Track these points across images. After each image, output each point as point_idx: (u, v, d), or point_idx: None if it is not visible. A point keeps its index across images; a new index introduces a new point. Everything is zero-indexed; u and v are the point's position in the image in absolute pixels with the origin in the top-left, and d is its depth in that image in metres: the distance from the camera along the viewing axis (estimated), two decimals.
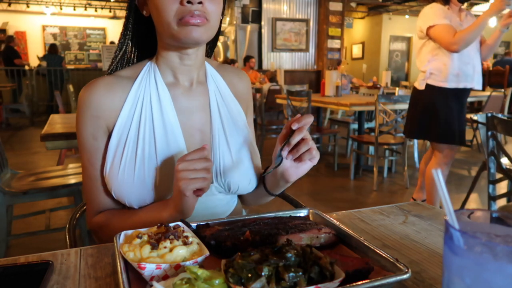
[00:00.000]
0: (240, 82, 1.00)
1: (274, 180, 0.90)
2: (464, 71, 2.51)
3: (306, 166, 0.83)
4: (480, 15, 2.35)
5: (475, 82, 2.56)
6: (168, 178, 0.82)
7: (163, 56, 0.87)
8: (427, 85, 2.61)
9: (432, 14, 2.48)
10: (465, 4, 2.58)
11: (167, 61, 0.88)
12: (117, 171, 0.82)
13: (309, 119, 0.78)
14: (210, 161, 0.73)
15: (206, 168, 0.72)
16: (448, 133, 2.58)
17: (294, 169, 0.84)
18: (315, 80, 8.42)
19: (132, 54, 0.92)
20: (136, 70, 0.89)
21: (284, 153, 0.80)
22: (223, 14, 0.91)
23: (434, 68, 2.55)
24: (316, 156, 0.81)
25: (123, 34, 0.89)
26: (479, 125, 2.95)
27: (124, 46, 0.90)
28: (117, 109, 0.85)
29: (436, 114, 2.59)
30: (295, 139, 0.78)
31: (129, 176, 0.81)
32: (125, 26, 0.89)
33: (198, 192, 0.73)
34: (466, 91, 2.59)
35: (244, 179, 0.91)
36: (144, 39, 0.92)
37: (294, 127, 0.77)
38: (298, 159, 0.82)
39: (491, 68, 7.93)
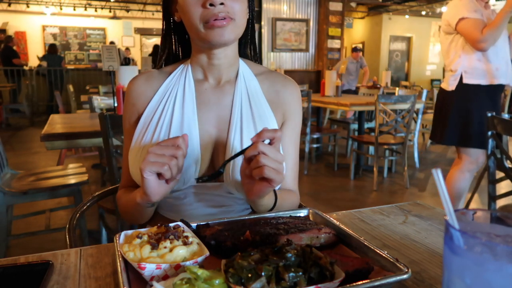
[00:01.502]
0: (283, 90, 0.96)
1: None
2: (499, 66, 2.35)
3: (261, 186, 0.72)
4: (501, 9, 2.23)
5: (509, 77, 2.40)
6: None
7: (194, 55, 0.92)
8: (460, 85, 2.40)
9: (461, 6, 2.31)
10: None
11: (197, 60, 0.92)
12: (134, 154, 0.88)
13: (269, 134, 0.70)
14: (181, 149, 0.72)
15: (172, 155, 0.71)
16: (480, 137, 2.35)
17: (250, 185, 0.74)
18: (315, 80, 8.41)
19: (178, 52, 0.99)
20: (176, 66, 0.96)
21: (227, 166, 0.75)
22: (253, 11, 0.93)
23: (467, 66, 2.37)
24: (271, 177, 0.68)
25: (163, 38, 0.96)
26: None
27: (167, 49, 0.96)
28: (148, 98, 0.92)
29: (470, 115, 2.39)
30: (242, 155, 0.73)
31: (141, 161, 0.83)
32: (163, 31, 0.95)
33: (164, 178, 0.73)
34: (500, 88, 2.41)
35: None
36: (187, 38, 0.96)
37: (253, 139, 0.71)
38: (252, 176, 0.72)
39: None
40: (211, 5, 0.78)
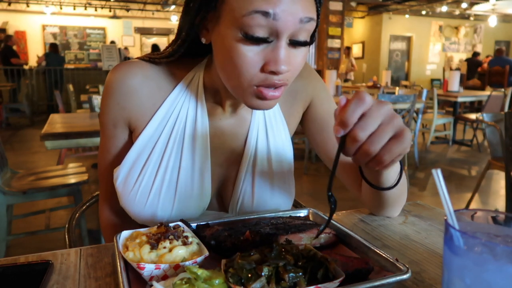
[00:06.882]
0: (303, 85, 0.86)
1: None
2: None
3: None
4: None
5: None
6: (183, 208, 0.77)
7: (212, 76, 0.75)
8: None
9: None
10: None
11: (214, 83, 0.76)
12: (130, 189, 0.75)
13: (360, 108, 0.51)
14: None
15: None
16: None
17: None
18: None
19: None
20: (182, 70, 0.78)
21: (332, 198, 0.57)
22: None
23: None
24: (390, 160, 0.54)
25: (172, 53, 0.73)
26: (484, 125, 2.89)
27: (171, 57, 0.74)
28: (147, 112, 0.76)
29: None
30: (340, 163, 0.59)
31: (141, 200, 0.75)
32: (178, 46, 0.72)
33: None
34: None
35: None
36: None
37: (339, 134, 0.52)
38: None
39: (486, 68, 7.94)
40: (272, 73, 0.61)
